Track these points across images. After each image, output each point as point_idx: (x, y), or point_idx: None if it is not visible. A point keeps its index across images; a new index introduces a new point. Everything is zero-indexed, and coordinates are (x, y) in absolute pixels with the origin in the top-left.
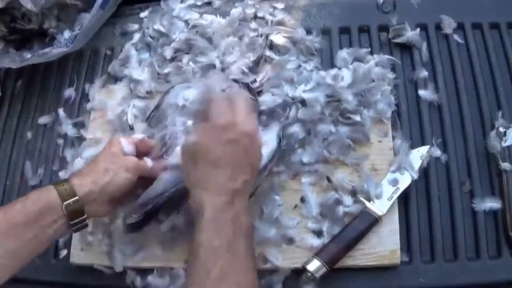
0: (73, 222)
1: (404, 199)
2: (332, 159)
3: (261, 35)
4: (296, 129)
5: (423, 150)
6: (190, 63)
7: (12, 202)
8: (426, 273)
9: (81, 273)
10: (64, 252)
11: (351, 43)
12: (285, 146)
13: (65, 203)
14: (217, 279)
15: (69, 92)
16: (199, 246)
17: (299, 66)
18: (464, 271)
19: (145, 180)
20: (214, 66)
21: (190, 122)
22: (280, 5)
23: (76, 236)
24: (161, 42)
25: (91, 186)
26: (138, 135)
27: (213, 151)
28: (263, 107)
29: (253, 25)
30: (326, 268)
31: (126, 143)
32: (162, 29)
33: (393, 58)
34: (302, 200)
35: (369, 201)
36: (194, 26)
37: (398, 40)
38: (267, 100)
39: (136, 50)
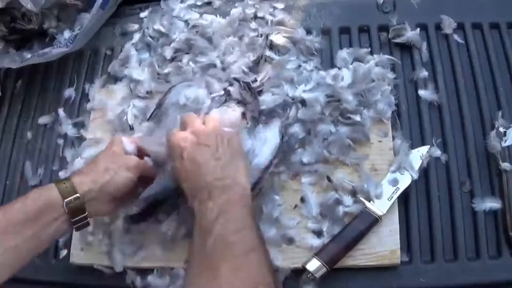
0: (74, 219)
1: (404, 199)
2: (332, 159)
3: (261, 35)
4: (296, 129)
5: (423, 150)
6: (190, 63)
7: (12, 201)
8: (426, 273)
9: (81, 273)
10: (64, 252)
11: (351, 43)
12: (286, 144)
13: (65, 200)
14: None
15: (69, 92)
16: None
17: (299, 66)
18: (464, 271)
19: (146, 179)
20: (214, 66)
21: None
22: (280, 5)
23: (76, 236)
24: (161, 42)
25: (91, 185)
26: (138, 135)
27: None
28: (263, 107)
29: (253, 25)
30: (326, 268)
31: (127, 143)
32: (162, 29)
33: (393, 58)
34: (302, 200)
35: (369, 201)
36: (194, 26)
37: (398, 40)
38: (267, 100)
39: (136, 50)
